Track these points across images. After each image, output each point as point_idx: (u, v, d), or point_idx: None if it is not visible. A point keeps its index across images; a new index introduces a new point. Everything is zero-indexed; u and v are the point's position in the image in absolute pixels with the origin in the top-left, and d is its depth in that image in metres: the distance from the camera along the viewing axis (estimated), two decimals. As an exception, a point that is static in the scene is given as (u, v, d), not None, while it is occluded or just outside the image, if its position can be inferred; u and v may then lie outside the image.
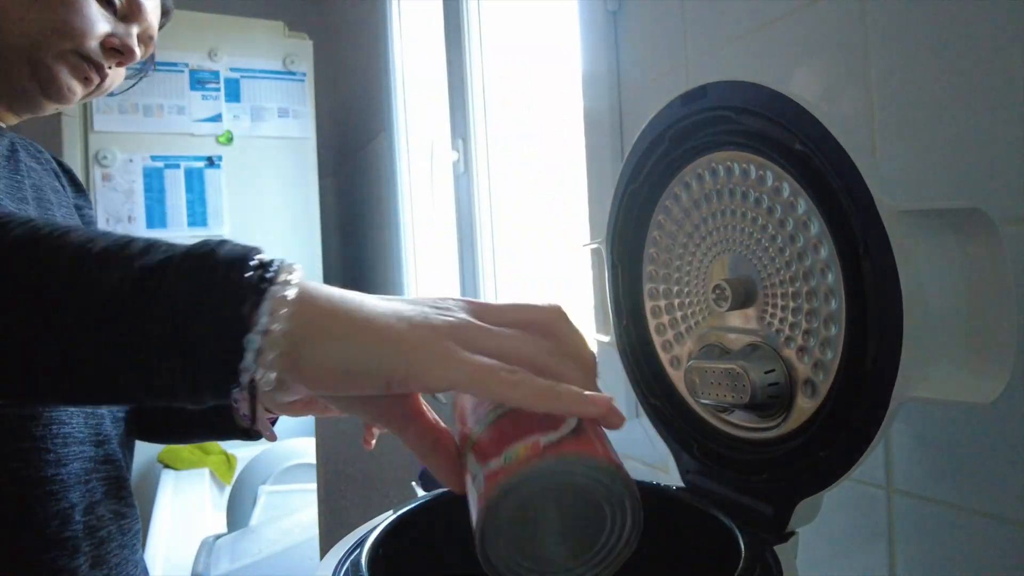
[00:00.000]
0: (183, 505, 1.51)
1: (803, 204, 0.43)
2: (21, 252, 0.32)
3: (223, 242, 0.32)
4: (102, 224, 1.83)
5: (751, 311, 0.48)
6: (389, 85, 1.80)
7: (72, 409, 0.59)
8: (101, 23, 0.61)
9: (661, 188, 0.54)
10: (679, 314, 0.55)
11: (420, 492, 0.59)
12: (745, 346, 0.48)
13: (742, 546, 0.42)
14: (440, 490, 0.55)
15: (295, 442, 1.56)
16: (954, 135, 0.48)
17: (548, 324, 0.35)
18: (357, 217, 2.26)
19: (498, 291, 1.41)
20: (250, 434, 0.55)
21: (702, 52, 0.71)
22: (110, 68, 0.64)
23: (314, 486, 0.88)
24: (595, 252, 0.65)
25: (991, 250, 0.35)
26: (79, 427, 0.60)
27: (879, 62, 0.53)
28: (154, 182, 1.92)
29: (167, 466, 1.77)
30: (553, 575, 0.31)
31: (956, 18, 0.48)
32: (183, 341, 0.29)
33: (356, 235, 2.28)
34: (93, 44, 0.61)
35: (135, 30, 0.64)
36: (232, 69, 1.99)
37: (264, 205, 2.04)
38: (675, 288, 0.55)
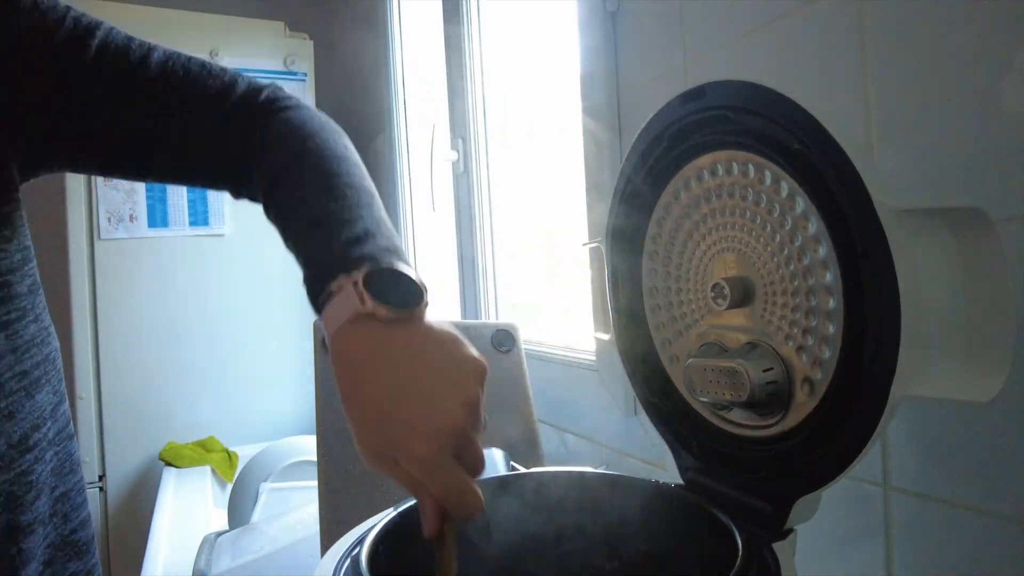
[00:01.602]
0: (184, 503, 1.51)
1: (801, 203, 0.43)
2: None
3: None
4: (104, 223, 1.83)
5: (750, 309, 0.49)
6: (389, 85, 1.80)
7: None
8: None
9: (660, 187, 0.54)
10: (678, 312, 0.55)
11: (421, 490, 0.59)
12: (744, 344, 0.48)
13: (740, 543, 0.42)
14: (440, 488, 0.55)
15: (296, 440, 1.56)
16: (952, 134, 0.49)
17: None
18: (358, 216, 2.26)
19: (497, 290, 1.41)
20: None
21: (701, 52, 0.72)
22: None
23: (315, 483, 0.88)
24: (594, 251, 0.65)
25: (989, 249, 0.35)
26: None
27: (877, 62, 0.53)
28: (155, 181, 1.92)
29: (168, 464, 1.77)
30: None
31: (954, 17, 0.48)
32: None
33: (357, 234, 2.28)
34: None
35: None
36: (233, 69, 1.99)
37: (265, 204, 2.04)
38: (674, 286, 0.55)
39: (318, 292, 0.45)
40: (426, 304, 0.44)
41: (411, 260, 0.49)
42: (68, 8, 0.56)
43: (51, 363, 0.61)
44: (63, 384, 0.64)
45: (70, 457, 0.63)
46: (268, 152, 0.56)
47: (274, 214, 0.54)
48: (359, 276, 0.43)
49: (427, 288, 0.44)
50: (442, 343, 0.43)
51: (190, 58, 0.60)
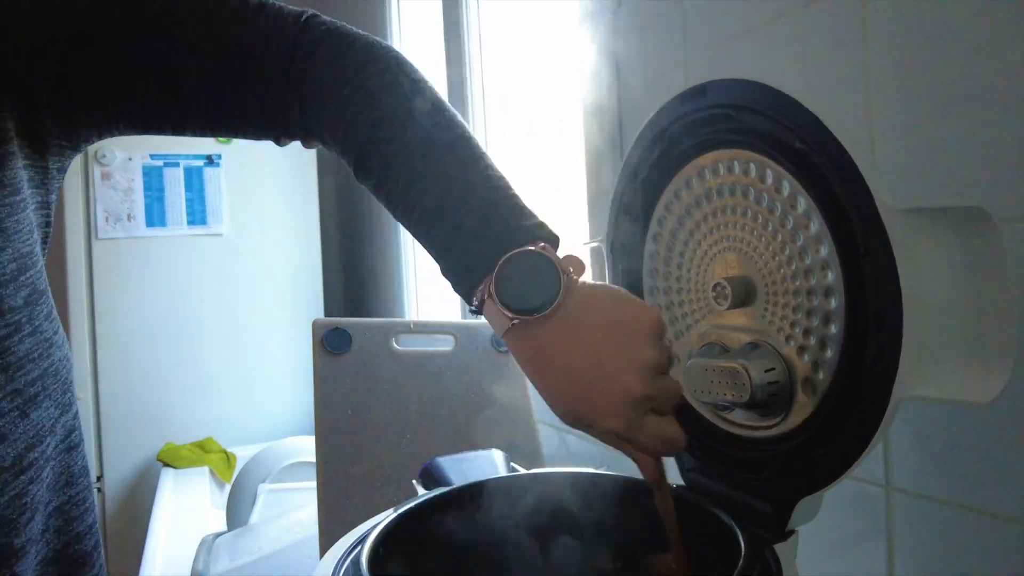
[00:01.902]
0: (183, 503, 1.51)
1: (803, 202, 0.43)
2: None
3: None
4: (101, 222, 1.83)
5: (751, 309, 0.48)
6: (388, 84, 1.80)
7: None
8: None
9: (661, 186, 0.54)
10: (679, 312, 0.55)
11: (421, 491, 0.59)
12: (745, 344, 0.48)
13: (742, 545, 0.42)
14: (441, 489, 0.55)
15: (295, 440, 1.56)
16: (954, 133, 0.48)
17: None
18: (357, 217, 2.26)
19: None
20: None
21: (701, 50, 0.71)
22: None
23: (314, 484, 0.88)
24: (595, 251, 0.65)
25: (991, 249, 0.35)
26: None
27: (878, 60, 0.53)
28: (153, 181, 1.92)
29: (167, 464, 1.77)
30: None
31: (956, 16, 0.48)
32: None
33: (356, 235, 2.28)
34: None
35: None
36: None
37: (263, 204, 2.04)
38: (675, 286, 0.55)
39: (470, 301, 0.46)
40: (566, 281, 0.42)
41: (533, 213, 0.47)
42: None
43: (52, 375, 0.57)
44: (69, 394, 0.60)
45: (68, 469, 0.60)
46: (338, 109, 0.51)
47: (374, 186, 0.51)
48: (490, 286, 0.43)
49: (562, 269, 0.42)
50: (602, 315, 0.43)
51: None
